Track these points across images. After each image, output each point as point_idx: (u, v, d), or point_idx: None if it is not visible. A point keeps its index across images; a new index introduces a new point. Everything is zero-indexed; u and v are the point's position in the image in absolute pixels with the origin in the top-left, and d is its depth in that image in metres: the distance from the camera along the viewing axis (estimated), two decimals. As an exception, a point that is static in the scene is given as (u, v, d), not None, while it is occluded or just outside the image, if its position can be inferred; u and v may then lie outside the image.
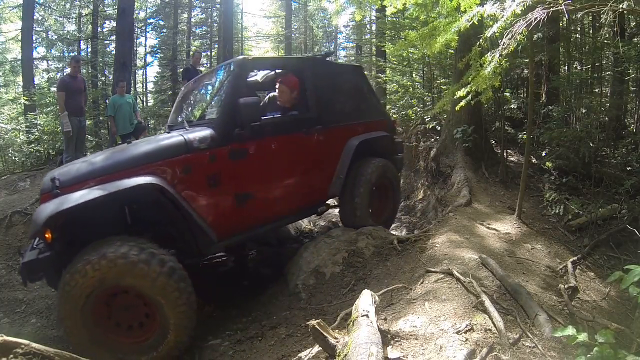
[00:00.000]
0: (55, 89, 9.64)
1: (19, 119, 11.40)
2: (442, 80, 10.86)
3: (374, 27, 17.33)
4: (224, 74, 4.16)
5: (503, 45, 3.25)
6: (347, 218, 4.65)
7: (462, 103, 4.12)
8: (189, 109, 4.62)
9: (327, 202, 4.62)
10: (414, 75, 11.89)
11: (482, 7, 3.24)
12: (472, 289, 2.54)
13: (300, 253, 3.95)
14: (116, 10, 16.78)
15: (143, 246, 2.80)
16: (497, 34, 3.34)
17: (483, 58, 3.63)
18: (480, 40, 3.59)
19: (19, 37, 14.56)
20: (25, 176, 7.78)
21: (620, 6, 2.80)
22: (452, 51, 9.68)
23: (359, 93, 5.06)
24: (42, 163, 9.04)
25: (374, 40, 15.58)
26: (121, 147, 3.57)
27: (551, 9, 2.96)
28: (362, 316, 2.02)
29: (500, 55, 3.29)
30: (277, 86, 4.64)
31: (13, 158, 10.06)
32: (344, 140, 4.61)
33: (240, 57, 4.15)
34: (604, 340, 1.78)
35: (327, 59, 4.98)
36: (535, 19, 2.98)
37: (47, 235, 2.85)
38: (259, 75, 4.96)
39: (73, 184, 2.99)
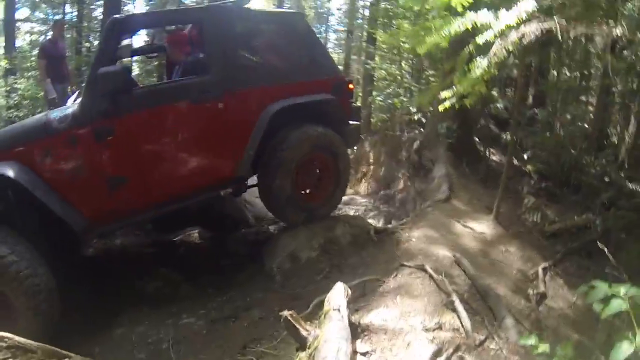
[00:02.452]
0: (36, 54, 9.38)
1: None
2: (431, 72, 10.87)
3: (366, 13, 17.22)
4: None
5: (494, 53, 3.20)
6: (267, 202, 4.02)
7: (447, 104, 3.77)
8: None
9: (244, 183, 3.96)
10: (403, 64, 11.86)
11: (476, 13, 3.11)
12: (443, 287, 2.59)
13: (278, 235, 3.94)
14: None
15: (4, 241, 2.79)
16: (488, 40, 3.28)
17: (471, 64, 3.41)
18: (470, 46, 3.41)
19: None
20: None
21: (615, 32, 2.83)
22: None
23: (292, 48, 4.12)
24: None
25: (365, 26, 15.48)
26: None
27: (544, 28, 2.96)
28: (334, 310, 2.04)
29: (489, 63, 3.19)
30: (166, 46, 4.27)
31: None
32: (260, 107, 3.76)
33: (113, 17, 3.60)
34: (563, 353, 1.82)
35: (243, 6, 4.08)
36: (530, 32, 2.96)
37: None
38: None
39: None
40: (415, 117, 8.84)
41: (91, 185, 3.16)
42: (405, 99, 10.25)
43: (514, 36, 3.04)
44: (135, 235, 4.69)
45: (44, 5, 16.88)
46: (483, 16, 3.07)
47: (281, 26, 4.19)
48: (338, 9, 21.13)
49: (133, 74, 7.85)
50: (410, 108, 9.39)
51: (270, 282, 3.48)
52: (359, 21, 17.72)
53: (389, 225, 4.16)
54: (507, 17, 2.95)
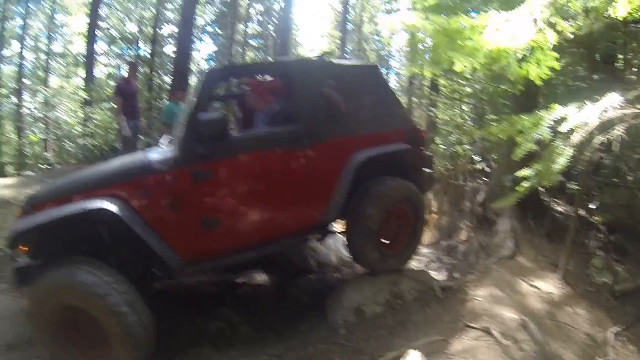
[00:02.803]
0: (112, 85, 10.25)
1: (77, 112, 12.18)
2: (491, 117, 10.76)
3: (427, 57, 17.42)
4: (195, 87, 4.02)
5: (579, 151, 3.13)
6: (352, 250, 4.13)
7: (525, 186, 3.39)
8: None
9: (328, 228, 4.17)
10: (463, 108, 11.87)
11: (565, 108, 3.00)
12: (509, 353, 2.63)
13: (342, 288, 4.02)
14: (175, 14, 17.89)
15: (105, 279, 2.91)
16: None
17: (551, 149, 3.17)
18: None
19: (82, 32, 15.80)
20: (79, 168, 8.37)
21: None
22: (505, 87, 9.67)
23: (370, 98, 4.28)
24: (96, 157, 9.64)
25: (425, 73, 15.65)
26: (96, 166, 3.78)
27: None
28: None
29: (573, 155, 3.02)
30: (246, 94, 4.46)
31: (68, 149, 10.82)
32: (346, 156, 3.91)
33: (210, 67, 4.05)
34: None
35: (327, 60, 4.28)
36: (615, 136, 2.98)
37: (23, 248, 3.12)
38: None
39: (43, 202, 3.21)
40: (479, 167, 8.81)
41: (186, 225, 3.32)
42: (468, 147, 10.24)
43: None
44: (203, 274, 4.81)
45: (120, 42, 18.68)
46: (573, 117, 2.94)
47: (359, 78, 4.35)
48: (398, 51, 21.52)
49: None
50: (473, 157, 9.38)
51: (333, 334, 3.56)
52: (420, 63, 17.98)
53: (453, 283, 4.19)
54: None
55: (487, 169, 8.72)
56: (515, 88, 4.29)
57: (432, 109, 11.58)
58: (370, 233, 3.91)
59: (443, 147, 10.68)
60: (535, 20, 2.87)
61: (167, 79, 16.09)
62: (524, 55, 3.41)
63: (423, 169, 4.53)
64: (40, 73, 18.11)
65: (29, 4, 16.49)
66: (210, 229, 3.39)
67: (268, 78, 4.52)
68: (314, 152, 3.76)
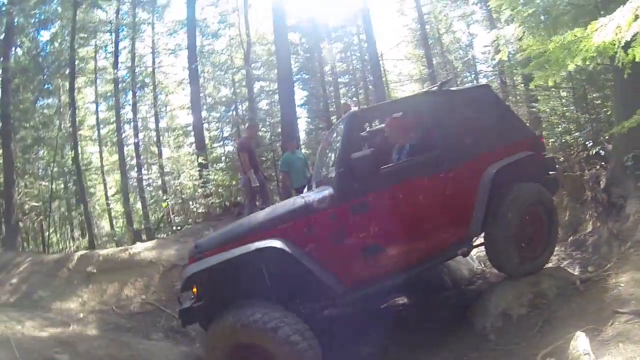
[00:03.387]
0: (231, 147, 11.19)
1: (196, 177, 13.44)
2: (595, 95, 10.12)
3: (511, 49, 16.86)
4: (337, 131, 4.44)
5: None
6: (493, 257, 4.39)
7: None
8: (324, 165, 4.92)
9: (472, 242, 4.39)
10: (562, 93, 11.30)
11: None
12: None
13: (486, 296, 4.19)
14: (263, 70, 19.21)
15: (275, 314, 3.22)
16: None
17: None
18: None
19: (185, 106, 17.80)
20: (209, 225, 9.38)
21: None
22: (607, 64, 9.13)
23: (490, 115, 4.61)
24: (220, 214, 10.65)
25: (515, 70, 15.16)
26: (255, 214, 4.15)
27: None
28: (585, 354, 2.36)
29: None
30: (385, 131, 4.82)
31: (195, 210, 12.01)
32: (479, 172, 4.25)
33: (350, 111, 4.47)
34: None
35: (444, 88, 4.70)
36: None
37: (194, 290, 3.59)
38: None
39: (211, 249, 3.63)
40: (593, 152, 8.35)
41: (348, 254, 3.69)
42: (578, 134, 9.73)
43: None
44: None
45: (219, 107, 20.55)
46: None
47: (477, 98, 4.72)
48: (482, 53, 21.10)
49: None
50: (586, 143, 8.90)
51: (483, 341, 3.72)
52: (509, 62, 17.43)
53: (592, 274, 4.13)
54: None
55: (602, 152, 8.26)
56: (625, 72, 4.29)
57: (534, 104, 11.18)
58: (509, 237, 4.14)
59: (552, 139, 10.27)
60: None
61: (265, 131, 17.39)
62: (627, 42, 3.54)
63: (548, 172, 4.84)
64: (153, 148, 20.48)
65: (136, 92, 18.82)
66: (370, 256, 3.75)
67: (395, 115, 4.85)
68: (454, 173, 4.13)
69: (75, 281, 6.26)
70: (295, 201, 3.93)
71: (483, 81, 21.69)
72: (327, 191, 3.81)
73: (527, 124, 5.48)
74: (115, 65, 17.08)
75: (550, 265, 5.41)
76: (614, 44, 3.65)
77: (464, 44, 22.98)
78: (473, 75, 22.11)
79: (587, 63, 4.46)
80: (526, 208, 4.32)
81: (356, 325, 4.67)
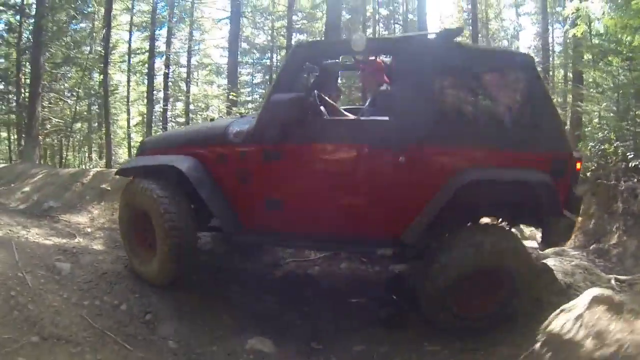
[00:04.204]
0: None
1: (224, 112, 13.56)
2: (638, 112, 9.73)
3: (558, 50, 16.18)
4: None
5: None
6: (417, 296, 3.35)
7: None
8: None
9: (406, 249, 3.39)
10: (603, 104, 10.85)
11: None
12: None
13: None
14: (304, 23, 18.75)
15: (162, 186, 3.52)
16: None
17: None
18: None
19: (219, 45, 18.00)
20: None
21: None
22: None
23: (511, 101, 3.27)
24: None
25: (563, 63, 14.56)
26: (201, 125, 4.21)
27: None
28: None
29: None
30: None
31: None
32: (450, 172, 3.15)
33: (297, 42, 3.72)
34: None
35: (452, 40, 3.36)
36: None
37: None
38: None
39: (151, 148, 3.98)
40: (633, 164, 8.05)
41: (251, 199, 3.43)
42: (620, 144, 9.36)
43: None
44: (361, 262, 5.02)
45: (254, 51, 20.47)
46: None
47: (501, 71, 3.35)
48: (528, 48, 20.43)
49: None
50: (627, 154, 8.58)
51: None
52: (552, 60, 16.85)
53: (628, 276, 3.87)
54: None
55: (641, 166, 7.97)
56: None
57: (580, 104, 10.75)
58: (441, 285, 3.16)
59: (591, 144, 9.90)
60: None
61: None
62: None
63: (561, 213, 3.26)
64: (182, 84, 20.40)
65: (172, 26, 18.58)
66: (273, 208, 3.39)
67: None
68: (406, 157, 3.15)
69: (87, 196, 6.18)
70: (220, 125, 3.71)
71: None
72: (249, 126, 3.45)
73: (566, 135, 3.67)
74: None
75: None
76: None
77: (510, 34, 22.31)
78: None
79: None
80: (471, 271, 3.16)
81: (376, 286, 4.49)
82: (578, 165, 3.49)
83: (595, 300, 2.29)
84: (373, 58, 4.00)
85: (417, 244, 3.30)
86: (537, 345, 2.49)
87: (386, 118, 3.32)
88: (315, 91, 3.68)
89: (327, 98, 3.76)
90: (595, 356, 2.03)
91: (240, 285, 4.27)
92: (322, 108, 3.58)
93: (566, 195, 3.34)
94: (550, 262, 3.97)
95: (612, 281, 3.64)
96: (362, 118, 3.61)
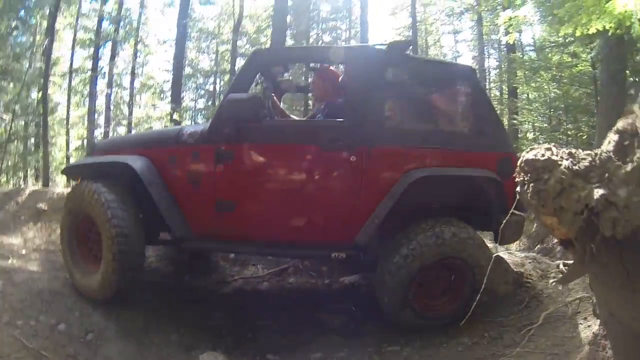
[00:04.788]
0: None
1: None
2: (569, 126, 10.38)
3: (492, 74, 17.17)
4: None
5: None
6: (377, 296, 3.32)
7: None
8: None
9: (360, 252, 3.30)
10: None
11: None
12: None
13: None
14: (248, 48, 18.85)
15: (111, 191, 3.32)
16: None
17: None
18: None
19: (163, 68, 17.76)
20: None
21: None
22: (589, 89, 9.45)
23: (454, 106, 3.61)
24: None
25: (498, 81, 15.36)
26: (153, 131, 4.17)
27: None
28: None
29: None
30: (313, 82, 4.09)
31: None
32: (399, 172, 3.19)
33: (255, 49, 3.85)
34: None
35: (399, 50, 3.47)
36: None
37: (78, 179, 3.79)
38: None
39: (99, 150, 3.93)
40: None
41: (201, 201, 3.32)
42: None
43: None
44: (310, 276, 4.91)
45: (198, 75, 20.17)
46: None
47: (447, 80, 3.62)
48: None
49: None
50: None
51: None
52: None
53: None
54: None
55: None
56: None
57: (516, 117, 11.35)
58: (397, 281, 3.15)
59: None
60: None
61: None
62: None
63: (510, 211, 3.20)
64: (123, 107, 19.86)
65: (117, 44, 18.12)
66: (224, 211, 3.31)
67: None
68: (357, 157, 3.18)
69: (22, 217, 5.74)
70: (175, 128, 3.86)
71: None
72: (203, 127, 3.46)
73: (509, 138, 3.88)
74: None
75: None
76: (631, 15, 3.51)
77: (449, 59, 23.48)
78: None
79: (608, 27, 4.13)
80: (430, 261, 3.16)
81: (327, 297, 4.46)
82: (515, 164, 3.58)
83: None
84: (326, 67, 4.04)
85: (370, 247, 3.29)
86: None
87: (339, 120, 3.37)
88: (269, 97, 3.72)
89: (278, 104, 3.82)
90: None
91: (187, 303, 4.08)
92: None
93: (512, 194, 3.34)
94: (501, 255, 4.05)
95: (561, 266, 3.75)
96: (315, 119, 3.66)
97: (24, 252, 4.83)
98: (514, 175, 3.08)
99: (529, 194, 1.41)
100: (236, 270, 4.91)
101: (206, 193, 3.32)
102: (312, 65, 4.49)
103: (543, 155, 1.43)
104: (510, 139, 3.98)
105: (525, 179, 1.46)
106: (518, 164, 1.59)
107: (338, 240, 3.33)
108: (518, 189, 1.60)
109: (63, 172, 4.21)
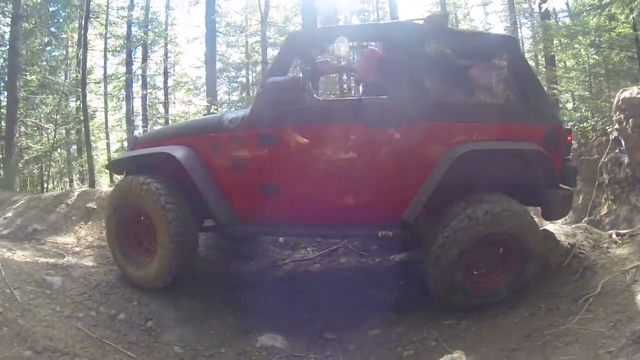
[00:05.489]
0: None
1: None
2: (611, 93, 9.99)
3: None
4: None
5: None
6: (426, 282, 3.26)
7: None
8: None
9: (408, 229, 3.30)
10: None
11: None
12: None
13: None
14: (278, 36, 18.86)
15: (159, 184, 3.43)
16: None
17: None
18: None
19: (195, 65, 17.25)
20: None
21: None
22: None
23: (498, 79, 3.47)
24: None
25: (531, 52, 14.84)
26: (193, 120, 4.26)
27: None
28: None
29: None
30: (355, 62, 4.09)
31: None
32: (445, 146, 3.15)
33: (293, 31, 3.75)
34: None
35: (439, 24, 3.46)
36: None
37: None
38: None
39: (143, 142, 3.94)
40: (613, 137, 8.20)
41: (247, 186, 3.37)
42: (598, 119, 9.52)
43: None
44: (361, 255, 4.98)
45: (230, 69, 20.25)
46: None
47: (488, 52, 3.52)
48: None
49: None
50: (606, 128, 8.75)
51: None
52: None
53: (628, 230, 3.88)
54: None
55: (620, 138, 8.13)
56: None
57: (555, 86, 10.92)
58: (443, 262, 3.10)
59: (570, 123, 10.05)
60: None
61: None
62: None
63: (558, 185, 3.36)
64: (159, 107, 20.26)
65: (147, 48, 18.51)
66: (270, 195, 3.34)
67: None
68: (401, 134, 3.18)
69: (73, 217, 6.01)
70: (215, 115, 3.83)
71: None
72: (244, 112, 3.46)
73: (554, 109, 3.90)
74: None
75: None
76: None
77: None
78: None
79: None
80: (477, 239, 3.08)
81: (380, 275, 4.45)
82: (570, 138, 3.59)
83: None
84: (371, 48, 4.01)
85: (418, 225, 3.25)
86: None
87: (381, 97, 3.33)
88: (309, 79, 3.70)
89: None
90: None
91: (241, 289, 4.19)
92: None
93: (561, 167, 3.38)
94: (550, 227, 3.96)
95: (614, 235, 3.63)
96: (357, 98, 3.58)
97: (78, 249, 5.06)
98: (560, 147, 3.12)
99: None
100: (287, 253, 5.00)
101: (251, 177, 3.36)
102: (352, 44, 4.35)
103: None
104: (555, 109, 3.72)
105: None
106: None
107: (385, 219, 3.32)
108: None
109: (107, 167, 4.48)
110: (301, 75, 3.71)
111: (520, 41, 18.46)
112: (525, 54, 16.62)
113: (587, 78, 10.83)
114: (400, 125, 3.19)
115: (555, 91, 10.89)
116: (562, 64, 11.97)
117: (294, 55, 3.67)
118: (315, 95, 3.65)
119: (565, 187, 3.45)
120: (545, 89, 11.68)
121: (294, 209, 3.40)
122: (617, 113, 4.59)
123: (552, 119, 3.48)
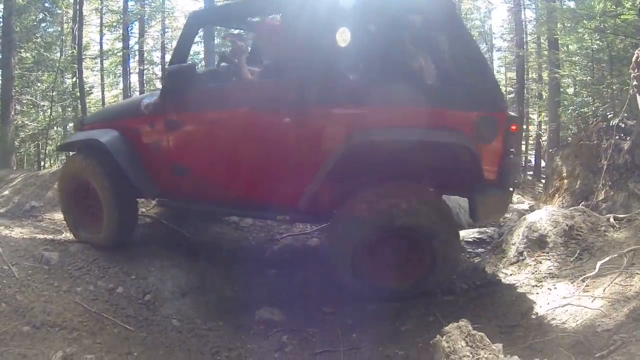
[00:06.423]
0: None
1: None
2: (613, 80, 9.91)
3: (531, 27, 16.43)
4: None
5: None
6: (328, 257, 3.25)
7: None
8: None
9: (304, 214, 3.27)
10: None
11: None
12: None
13: (521, 224, 3.91)
14: None
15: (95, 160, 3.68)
16: None
17: None
18: None
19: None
20: None
21: None
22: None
23: (423, 52, 2.91)
24: None
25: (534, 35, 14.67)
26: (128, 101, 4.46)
27: None
28: None
29: None
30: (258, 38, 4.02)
31: None
32: (340, 133, 2.86)
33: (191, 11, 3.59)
34: None
35: None
36: None
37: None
38: None
39: (88, 123, 4.12)
40: (613, 123, 8.20)
41: (162, 166, 3.60)
42: (599, 105, 9.50)
43: None
44: None
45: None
46: None
47: (407, 16, 2.98)
48: (500, 26, 20.59)
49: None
50: (607, 114, 8.73)
51: (522, 264, 3.46)
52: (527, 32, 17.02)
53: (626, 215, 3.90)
54: None
55: (621, 124, 8.12)
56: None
57: (558, 70, 10.84)
58: (340, 265, 3.06)
59: (571, 108, 10.03)
60: None
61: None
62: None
63: (485, 183, 2.82)
64: (157, 83, 20.01)
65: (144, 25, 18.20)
66: (181, 175, 3.56)
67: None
68: (292, 119, 2.93)
69: (70, 193, 5.97)
70: (138, 98, 4.04)
71: (498, 55, 21.21)
72: (156, 98, 3.57)
73: (499, 92, 3.07)
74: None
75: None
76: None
77: (482, 13, 22.51)
78: (487, 47, 21.54)
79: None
80: (378, 230, 2.91)
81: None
82: (513, 127, 2.89)
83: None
84: (269, 20, 3.79)
85: (312, 210, 3.14)
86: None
87: (272, 80, 3.16)
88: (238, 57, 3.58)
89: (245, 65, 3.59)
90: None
91: (238, 263, 4.20)
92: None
93: (499, 162, 2.86)
94: (550, 208, 3.97)
95: (612, 219, 3.65)
96: (250, 81, 3.46)
97: (75, 225, 5.04)
98: (499, 138, 2.75)
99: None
100: (285, 227, 5.02)
101: (165, 159, 3.59)
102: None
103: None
104: (501, 93, 3.14)
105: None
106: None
107: (283, 203, 3.22)
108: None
109: (58, 149, 4.87)
110: (231, 53, 3.63)
111: (523, 23, 18.12)
112: (529, 36, 16.48)
113: (590, 63, 10.73)
114: (290, 110, 2.93)
115: (557, 75, 10.81)
116: (565, 47, 11.85)
117: (194, 37, 3.73)
118: (242, 74, 3.50)
119: (501, 186, 2.92)
120: (548, 72, 11.67)
121: (202, 189, 3.58)
122: (636, 70, 4.71)
123: (491, 104, 2.85)
